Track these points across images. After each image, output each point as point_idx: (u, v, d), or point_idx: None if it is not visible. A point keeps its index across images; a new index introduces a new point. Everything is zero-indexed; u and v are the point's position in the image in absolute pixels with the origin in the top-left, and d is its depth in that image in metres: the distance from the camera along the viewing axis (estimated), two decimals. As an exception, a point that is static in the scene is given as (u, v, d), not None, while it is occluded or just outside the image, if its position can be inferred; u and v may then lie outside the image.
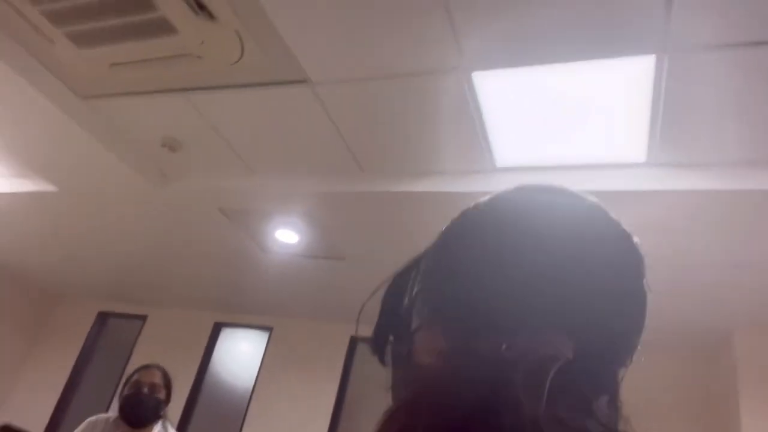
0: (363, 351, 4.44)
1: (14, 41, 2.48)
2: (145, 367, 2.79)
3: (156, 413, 2.68)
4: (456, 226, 0.60)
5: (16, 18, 2.32)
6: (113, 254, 4.53)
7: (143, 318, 5.43)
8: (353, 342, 4.57)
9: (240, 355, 5.24)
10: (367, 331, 0.63)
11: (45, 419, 5.08)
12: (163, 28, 2.17)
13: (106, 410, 4.49)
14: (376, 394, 0.61)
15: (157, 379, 2.72)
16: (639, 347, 0.55)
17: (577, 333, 0.49)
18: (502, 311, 0.51)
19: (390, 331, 0.60)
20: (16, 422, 3.60)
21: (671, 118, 2.08)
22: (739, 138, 2.13)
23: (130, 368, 5.06)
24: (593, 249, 0.54)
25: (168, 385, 2.76)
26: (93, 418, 2.71)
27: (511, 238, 0.54)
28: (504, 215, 0.57)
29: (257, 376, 4.79)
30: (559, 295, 0.51)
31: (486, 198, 0.60)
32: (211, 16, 2.10)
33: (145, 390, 2.66)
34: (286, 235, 3.55)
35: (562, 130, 2.31)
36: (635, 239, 0.56)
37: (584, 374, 0.48)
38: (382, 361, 0.60)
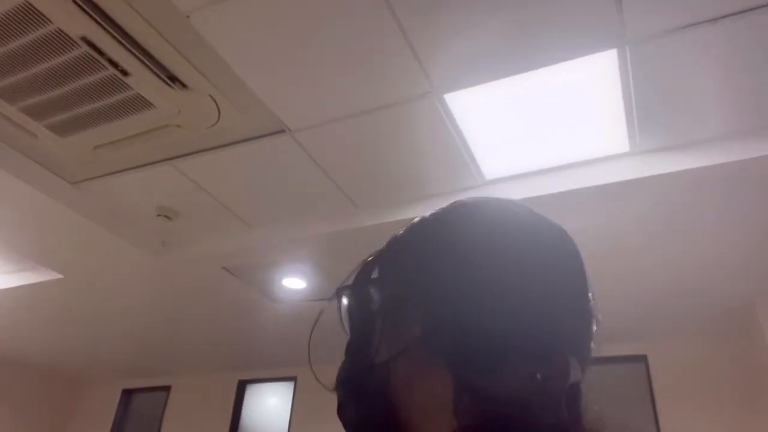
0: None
1: (-1, 141, 2.55)
2: None
3: None
4: (428, 230, 0.56)
5: (-2, 119, 2.39)
6: (127, 330, 4.54)
7: (167, 389, 5.41)
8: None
9: (269, 409, 5.19)
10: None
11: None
12: (139, 104, 2.23)
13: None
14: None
15: None
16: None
17: (577, 352, 0.50)
18: (529, 334, 0.47)
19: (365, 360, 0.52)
20: None
21: (645, 105, 2.11)
22: (716, 113, 2.14)
23: (161, 441, 5.02)
24: (574, 269, 0.54)
25: None
26: None
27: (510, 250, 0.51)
28: (481, 229, 0.54)
29: (289, 428, 4.74)
30: (561, 315, 0.50)
31: (439, 209, 0.57)
32: (183, 85, 2.15)
33: None
34: (294, 283, 3.56)
35: (543, 133, 2.33)
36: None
37: (582, 391, 0.50)
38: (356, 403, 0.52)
